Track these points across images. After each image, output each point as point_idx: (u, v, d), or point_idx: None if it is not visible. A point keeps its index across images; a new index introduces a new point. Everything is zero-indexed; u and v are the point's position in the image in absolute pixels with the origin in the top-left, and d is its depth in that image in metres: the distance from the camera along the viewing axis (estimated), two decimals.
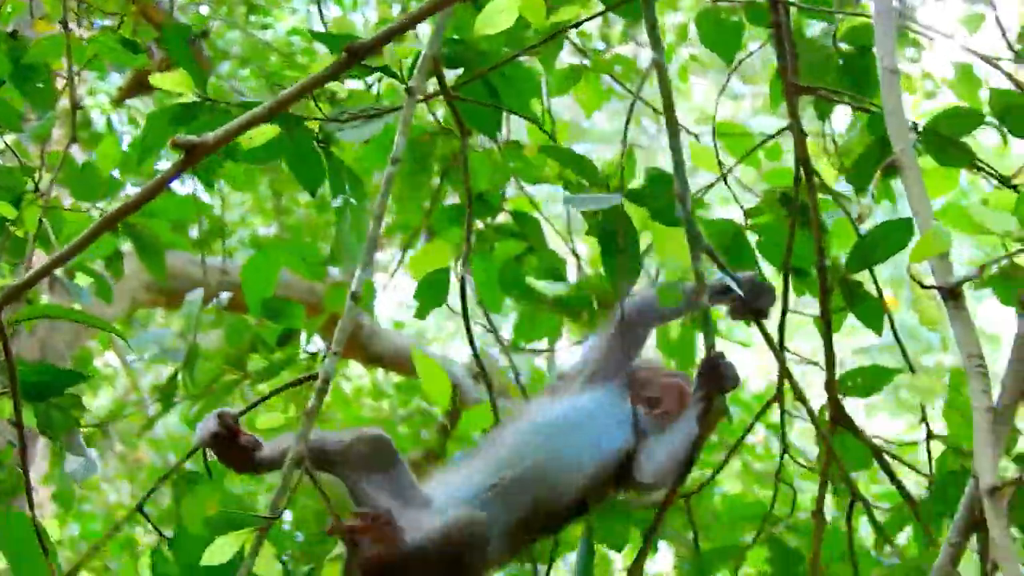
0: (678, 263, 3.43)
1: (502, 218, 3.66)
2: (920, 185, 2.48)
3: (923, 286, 2.43)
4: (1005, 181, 3.40)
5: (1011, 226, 2.69)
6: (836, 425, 3.42)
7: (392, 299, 12.17)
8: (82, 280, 4.03)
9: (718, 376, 3.00)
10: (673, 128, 3.10)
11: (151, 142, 3.38)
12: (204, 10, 9.19)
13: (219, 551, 2.62)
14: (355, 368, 10.69)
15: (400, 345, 9.53)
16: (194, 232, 7.17)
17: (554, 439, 3.04)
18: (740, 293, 3.09)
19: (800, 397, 3.32)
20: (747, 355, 3.24)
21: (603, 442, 3.05)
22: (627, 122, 3.16)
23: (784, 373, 3.33)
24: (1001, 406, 2.21)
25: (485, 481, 3.00)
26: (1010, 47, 3.24)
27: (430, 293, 3.56)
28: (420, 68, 2.95)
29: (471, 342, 3.56)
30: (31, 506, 2.85)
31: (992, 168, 3.44)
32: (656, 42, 3.15)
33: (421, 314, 3.64)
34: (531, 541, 3.08)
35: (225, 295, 3.65)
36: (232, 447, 2.89)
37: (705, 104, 12.66)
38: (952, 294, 2.32)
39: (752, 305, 3.16)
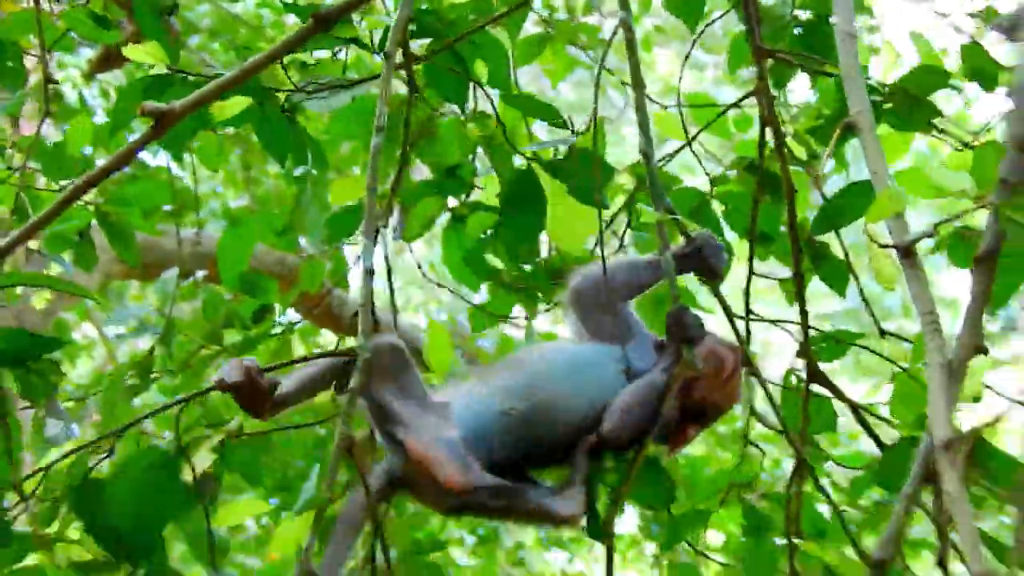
0: (573, 242, 3.44)
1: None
2: (877, 146, 2.50)
3: (880, 245, 2.45)
4: (965, 144, 3.44)
5: (967, 185, 2.71)
6: (811, 383, 3.46)
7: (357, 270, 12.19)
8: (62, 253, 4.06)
9: (683, 327, 2.96)
10: (639, 86, 3.09)
11: (123, 114, 3.38)
12: None
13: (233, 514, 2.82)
14: (327, 336, 10.73)
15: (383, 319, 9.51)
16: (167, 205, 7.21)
17: (563, 381, 3.04)
18: (696, 246, 3.11)
19: (748, 362, 3.33)
20: (713, 321, 3.26)
21: (603, 392, 3.04)
22: (596, 89, 3.18)
23: (747, 336, 3.35)
24: (955, 363, 2.25)
25: (496, 406, 3.02)
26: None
27: (340, 225, 3.55)
28: (394, 33, 2.96)
29: (393, 305, 3.55)
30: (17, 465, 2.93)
31: (951, 132, 3.48)
32: (624, 2, 3.17)
33: (331, 240, 3.64)
34: (518, 471, 3.06)
35: (201, 273, 3.66)
36: (254, 391, 2.90)
37: (669, 75, 12.69)
38: (907, 252, 2.34)
39: (708, 262, 3.14)
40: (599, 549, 3.16)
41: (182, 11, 8.98)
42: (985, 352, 2.32)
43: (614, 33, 3.27)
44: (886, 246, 2.41)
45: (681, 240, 3.14)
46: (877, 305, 3.51)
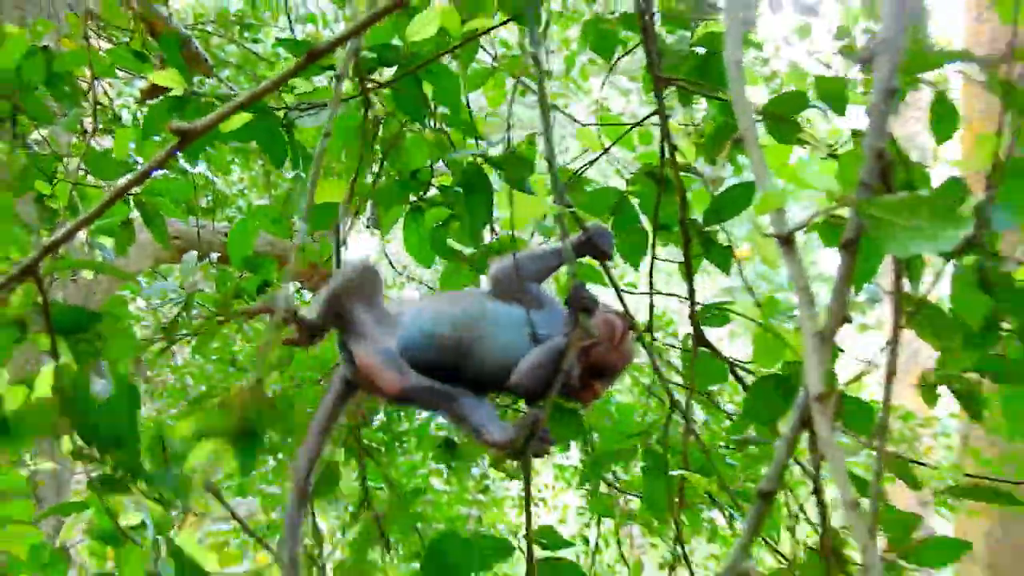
0: (528, 220, 3.30)
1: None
2: (760, 154, 2.39)
3: (764, 234, 2.34)
4: (830, 152, 3.34)
5: (832, 185, 2.60)
6: (699, 346, 3.36)
7: (357, 255, 12.13)
8: (106, 241, 4.00)
9: (580, 300, 2.85)
10: (545, 109, 3.04)
11: (151, 126, 3.36)
12: (209, 28, 9.08)
13: (200, 451, 2.60)
14: None
15: None
16: (204, 203, 7.11)
17: (486, 326, 2.91)
18: (590, 234, 3.01)
19: (634, 327, 3.17)
20: (633, 299, 3.17)
21: (514, 348, 2.91)
22: (510, 103, 3.23)
23: (650, 308, 3.26)
24: (826, 329, 2.14)
25: (432, 327, 2.89)
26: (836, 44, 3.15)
27: (321, 218, 3.44)
28: (345, 60, 2.88)
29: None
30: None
31: (818, 141, 3.40)
32: (535, 41, 3.15)
33: (384, 231, 3.57)
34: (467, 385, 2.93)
35: (215, 255, 3.58)
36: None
37: (602, 98, 12.68)
38: (786, 240, 2.24)
39: (600, 247, 3.03)
40: (548, 477, 3.04)
41: (214, 48, 8.90)
42: (849, 321, 2.20)
43: (524, 67, 3.34)
44: (769, 234, 2.29)
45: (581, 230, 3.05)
46: (770, 281, 3.43)
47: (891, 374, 2.19)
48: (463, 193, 3.33)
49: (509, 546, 2.92)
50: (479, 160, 3.30)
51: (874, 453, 2.17)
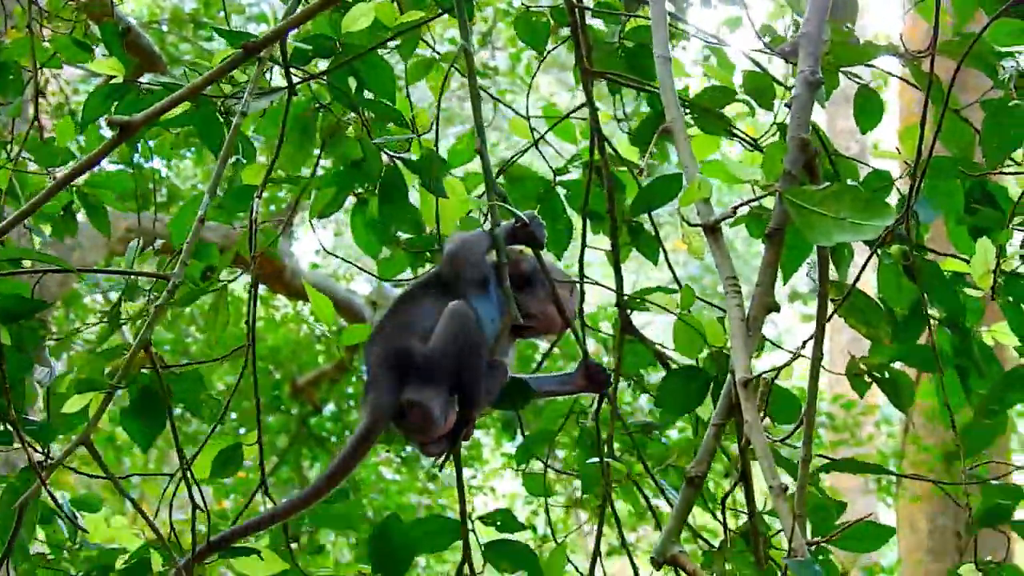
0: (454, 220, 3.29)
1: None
2: (687, 145, 2.33)
3: (690, 224, 2.27)
4: (754, 144, 3.26)
5: (757, 176, 2.54)
6: (625, 333, 3.28)
7: (309, 248, 12.00)
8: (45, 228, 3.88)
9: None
10: (476, 98, 2.99)
11: (90, 113, 3.23)
12: (164, 27, 8.92)
13: (74, 404, 2.71)
14: (281, 300, 10.56)
15: (315, 282, 9.43)
16: (158, 197, 6.96)
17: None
18: (524, 220, 2.90)
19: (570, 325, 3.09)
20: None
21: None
22: (439, 95, 3.21)
23: (581, 298, 3.17)
24: (751, 318, 2.07)
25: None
26: (761, 41, 3.07)
27: (240, 200, 3.34)
28: (268, 48, 2.86)
29: None
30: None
31: (744, 134, 3.30)
32: (465, 34, 3.09)
33: (324, 215, 3.45)
34: None
35: (159, 242, 3.47)
36: None
37: (548, 94, 12.67)
38: (712, 230, 2.17)
39: (533, 235, 2.93)
40: (497, 465, 2.95)
41: (168, 47, 8.73)
42: (776, 309, 2.13)
43: (455, 58, 3.24)
44: (695, 224, 2.22)
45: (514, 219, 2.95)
46: (713, 273, 3.35)
47: (817, 360, 2.12)
48: (379, 198, 3.25)
49: (456, 527, 2.83)
50: (395, 162, 3.20)
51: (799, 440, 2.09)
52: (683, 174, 2.34)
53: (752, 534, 2.17)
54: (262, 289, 8.82)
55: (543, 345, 3.88)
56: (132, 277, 3.32)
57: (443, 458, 2.82)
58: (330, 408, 10.67)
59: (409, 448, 4.77)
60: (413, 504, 10.22)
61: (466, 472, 10.75)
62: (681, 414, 2.90)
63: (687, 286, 2.94)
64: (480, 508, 11.09)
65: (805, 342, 2.23)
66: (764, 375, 1.99)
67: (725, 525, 2.48)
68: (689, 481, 1.93)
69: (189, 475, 2.90)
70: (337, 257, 3.84)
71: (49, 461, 2.74)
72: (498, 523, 2.93)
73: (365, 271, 3.68)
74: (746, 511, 2.50)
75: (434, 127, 3.18)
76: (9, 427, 2.71)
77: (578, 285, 3.16)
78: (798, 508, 1.85)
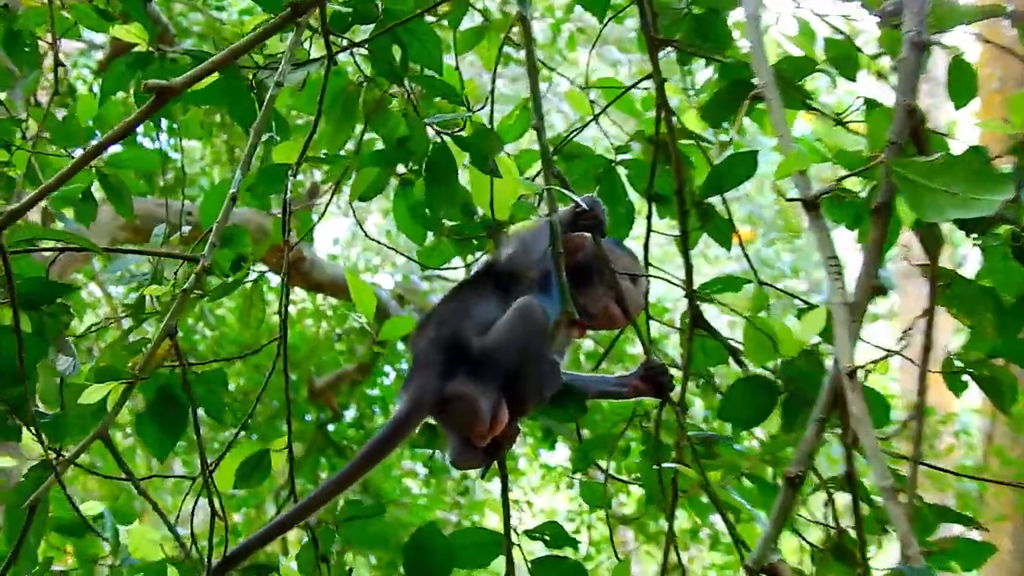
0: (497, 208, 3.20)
1: None
2: (782, 112, 2.32)
3: (787, 199, 2.26)
4: (837, 119, 3.25)
5: (862, 146, 2.52)
6: (696, 327, 3.26)
7: (328, 236, 11.99)
8: (67, 212, 3.86)
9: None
10: (533, 71, 2.98)
11: (111, 84, 3.23)
12: None
13: (92, 394, 2.64)
14: (299, 293, 10.54)
15: (336, 274, 9.48)
16: (162, 181, 6.95)
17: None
18: (582, 205, 2.87)
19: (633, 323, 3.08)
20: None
21: None
22: (495, 67, 3.20)
23: (647, 285, 3.14)
24: (855, 302, 2.06)
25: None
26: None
27: (273, 180, 3.33)
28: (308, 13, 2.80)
29: None
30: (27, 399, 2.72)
31: (824, 108, 3.28)
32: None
33: (365, 198, 3.45)
34: None
35: (187, 228, 3.45)
36: None
37: (590, 69, 12.59)
38: (811, 206, 2.16)
39: (594, 219, 2.90)
40: (535, 479, 2.91)
41: (178, 16, 8.76)
42: (883, 292, 2.13)
43: (511, 26, 3.23)
44: (793, 199, 2.21)
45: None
46: (771, 267, 3.32)
47: (927, 350, 2.11)
48: (425, 179, 3.21)
49: (499, 541, 2.82)
50: (444, 138, 3.17)
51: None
52: (779, 145, 2.32)
53: (859, 541, 2.16)
54: (277, 281, 8.81)
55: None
56: (158, 265, 3.30)
57: (486, 467, 2.81)
58: (351, 413, 10.66)
59: (439, 455, 4.75)
60: (441, 520, 10.22)
61: (499, 485, 10.76)
62: (747, 428, 2.88)
63: (760, 288, 2.91)
64: (515, 524, 11.11)
65: (906, 331, 2.22)
66: (867, 366, 1.98)
67: (833, 529, 2.46)
68: (788, 482, 1.93)
69: (211, 483, 2.87)
70: (379, 243, 3.82)
71: (62, 457, 2.70)
72: (546, 537, 2.92)
73: (411, 258, 3.66)
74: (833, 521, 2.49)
75: (488, 102, 3.12)
76: (16, 419, 2.70)
77: (643, 277, 3.14)
78: (908, 513, 1.84)
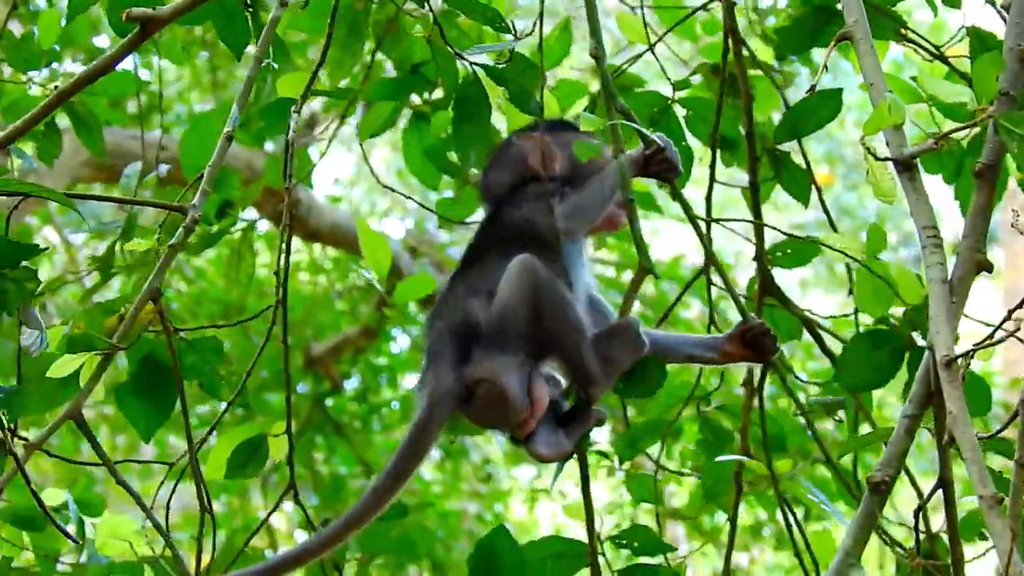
0: None
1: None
2: (873, 57, 2.33)
3: (877, 158, 2.28)
4: (938, 53, 3.26)
5: (956, 95, 2.54)
6: (765, 295, 3.29)
7: (328, 175, 11.94)
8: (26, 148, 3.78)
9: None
10: None
11: (79, 3, 3.20)
12: None
13: (62, 366, 2.68)
14: (293, 243, 10.48)
15: (337, 221, 9.33)
16: (132, 107, 6.96)
17: None
18: (657, 143, 2.85)
19: (719, 269, 3.15)
20: (683, 231, 3.07)
21: None
22: None
23: (708, 243, 3.16)
24: (956, 278, 2.09)
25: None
26: None
27: (277, 117, 3.36)
28: None
29: None
30: None
31: (923, 39, 3.30)
32: None
33: (363, 137, 3.53)
34: None
35: (164, 167, 3.45)
36: None
37: None
38: (906, 166, 2.19)
39: (666, 162, 2.89)
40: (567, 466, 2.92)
41: None
42: (989, 268, 2.15)
43: None
44: (885, 158, 2.24)
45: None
46: (853, 217, 3.34)
47: None
48: (454, 116, 3.20)
49: (579, 552, 2.84)
50: (478, 70, 3.14)
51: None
52: (871, 91, 2.33)
53: (953, 557, 2.20)
54: (267, 227, 8.80)
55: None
56: (132, 211, 3.32)
57: (560, 463, 2.83)
58: (353, 384, 10.63)
59: (456, 439, 4.76)
60: (457, 511, 10.25)
61: (530, 472, 10.79)
62: (867, 389, 2.88)
63: (875, 225, 2.91)
64: (546, 517, 11.12)
65: (1014, 309, 2.24)
66: (969, 353, 2.01)
67: (920, 543, 2.50)
68: (873, 488, 1.97)
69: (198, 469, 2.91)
70: (392, 190, 3.85)
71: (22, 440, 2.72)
72: (635, 544, 2.96)
73: (428, 208, 3.69)
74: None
75: (536, 26, 3.11)
76: None
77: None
78: (1012, 527, 1.87)
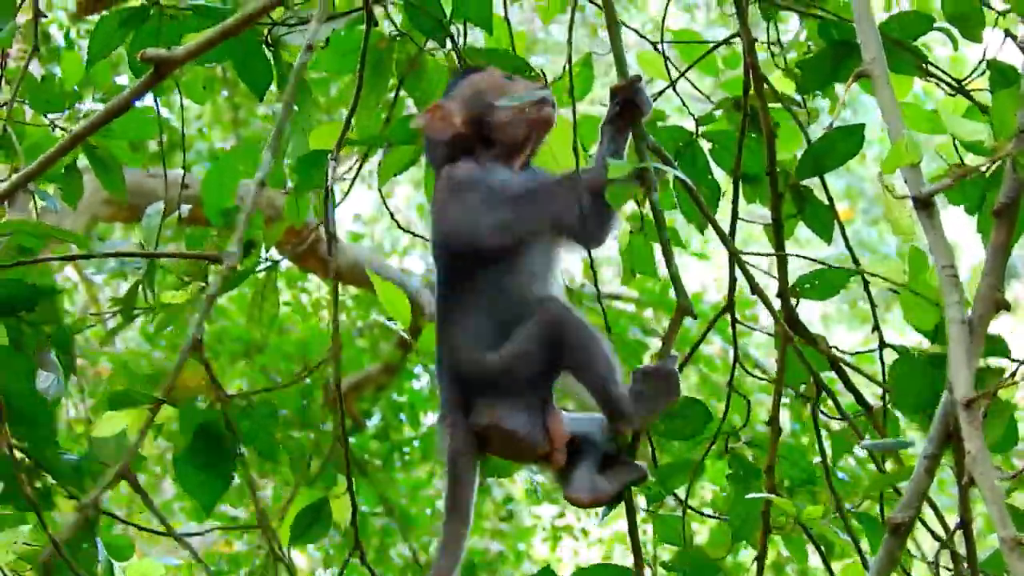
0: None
1: None
2: (891, 94, 2.36)
3: (895, 196, 2.31)
4: (958, 87, 3.28)
5: (975, 132, 2.55)
6: (790, 331, 3.29)
7: (349, 212, 11.99)
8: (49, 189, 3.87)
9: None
10: (612, 23, 2.93)
11: (100, 45, 3.27)
12: None
13: (108, 424, 2.67)
14: (313, 280, 10.53)
15: (358, 258, 9.37)
16: (153, 146, 7.00)
17: None
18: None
19: (760, 294, 3.13)
20: (704, 268, 3.09)
21: None
22: (572, 15, 3.16)
23: (732, 280, 3.17)
24: (975, 318, 2.11)
25: None
26: None
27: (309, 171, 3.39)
28: None
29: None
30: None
31: (944, 72, 3.32)
32: None
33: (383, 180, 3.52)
34: None
35: (185, 207, 3.48)
36: None
37: (660, 14, 12.49)
38: (924, 204, 2.21)
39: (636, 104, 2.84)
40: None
41: None
42: (1008, 308, 2.17)
43: None
44: (903, 196, 2.26)
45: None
46: (873, 251, 3.35)
47: None
48: None
49: None
50: None
51: None
52: (888, 129, 2.36)
53: None
54: (288, 266, 8.85)
55: None
56: (154, 247, 3.33)
57: (606, 509, 2.81)
58: (374, 421, 10.66)
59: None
60: (480, 549, 10.25)
61: (552, 510, 10.79)
62: (921, 411, 2.87)
63: (916, 247, 2.92)
64: (568, 556, 11.09)
65: None
66: (991, 390, 2.03)
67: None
68: (894, 529, 1.98)
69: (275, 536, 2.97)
70: (412, 234, 3.88)
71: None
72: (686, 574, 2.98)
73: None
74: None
75: (565, 69, 3.11)
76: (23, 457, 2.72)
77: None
78: None
